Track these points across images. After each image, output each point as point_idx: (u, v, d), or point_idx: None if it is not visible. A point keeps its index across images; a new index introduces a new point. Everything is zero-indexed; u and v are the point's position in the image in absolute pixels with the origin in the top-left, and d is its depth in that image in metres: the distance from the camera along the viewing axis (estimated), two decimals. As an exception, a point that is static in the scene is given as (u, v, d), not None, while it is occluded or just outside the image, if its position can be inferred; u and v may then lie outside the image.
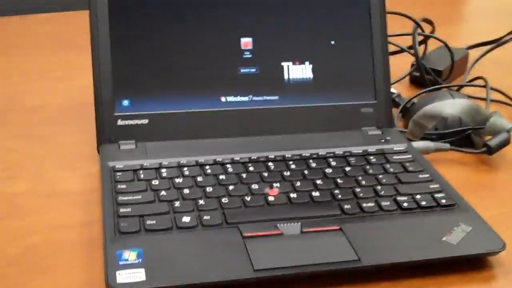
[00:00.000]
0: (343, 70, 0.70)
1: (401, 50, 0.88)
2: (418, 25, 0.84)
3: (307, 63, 0.70)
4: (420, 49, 0.86)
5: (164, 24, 0.66)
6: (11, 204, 0.59)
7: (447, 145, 0.69)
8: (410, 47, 0.87)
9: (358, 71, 0.71)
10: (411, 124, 0.72)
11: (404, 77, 0.86)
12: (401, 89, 0.85)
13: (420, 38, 0.87)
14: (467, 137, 0.71)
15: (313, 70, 0.70)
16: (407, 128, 0.73)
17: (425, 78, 0.83)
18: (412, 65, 0.87)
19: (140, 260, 0.48)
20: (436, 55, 0.90)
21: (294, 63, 0.69)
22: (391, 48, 0.87)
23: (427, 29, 0.91)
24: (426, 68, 0.85)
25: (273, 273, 0.48)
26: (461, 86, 0.81)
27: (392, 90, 0.80)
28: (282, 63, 0.69)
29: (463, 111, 0.71)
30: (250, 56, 0.68)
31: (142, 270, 0.47)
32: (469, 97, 0.75)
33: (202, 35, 0.67)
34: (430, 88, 0.78)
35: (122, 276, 0.46)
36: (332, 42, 0.70)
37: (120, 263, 0.48)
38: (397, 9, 0.87)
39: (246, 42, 0.68)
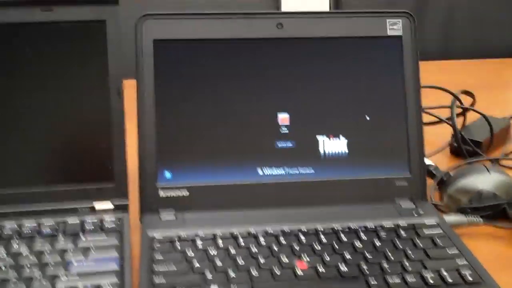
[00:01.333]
0: (377, 144, 0.73)
1: (440, 121, 0.90)
2: (456, 97, 0.86)
3: (342, 137, 0.72)
4: (460, 121, 0.88)
5: (206, 98, 0.70)
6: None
7: (480, 219, 0.70)
8: (449, 119, 0.89)
9: (392, 145, 0.73)
10: (446, 197, 0.74)
11: (443, 149, 0.88)
12: (441, 160, 0.87)
13: (460, 110, 0.89)
14: (501, 211, 0.72)
15: (348, 144, 0.72)
16: (443, 201, 0.74)
17: (463, 149, 0.84)
18: (452, 136, 0.89)
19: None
20: (476, 126, 0.91)
21: (329, 138, 0.72)
22: (431, 119, 0.89)
23: (467, 100, 0.92)
24: (466, 139, 0.86)
25: None
26: (497, 160, 0.82)
27: (429, 162, 0.82)
28: (318, 138, 0.72)
29: (498, 186, 0.72)
30: (286, 131, 0.71)
31: None
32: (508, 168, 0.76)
33: (242, 109, 0.71)
34: (467, 161, 0.80)
35: None
36: (367, 117, 0.73)
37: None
38: (441, 79, 0.89)
39: (283, 118, 0.72)
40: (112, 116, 0.67)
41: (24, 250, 0.60)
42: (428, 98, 0.91)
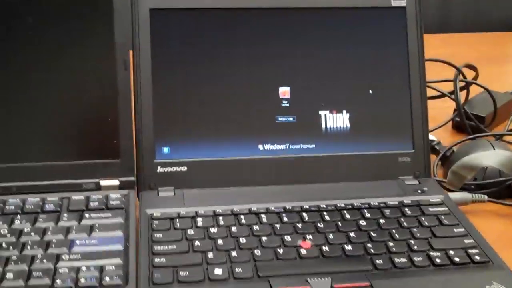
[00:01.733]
0: (380, 119, 0.71)
1: (443, 95, 0.88)
2: (459, 71, 0.84)
3: (344, 112, 0.70)
4: (463, 94, 0.86)
5: (203, 73, 0.68)
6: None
7: (485, 197, 0.68)
8: (452, 93, 0.87)
9: (396, 120, 0.71)
10: (450, 174, 0.72)
11: (445, 124, 0.86)
12: (443, 135, 0.85)
13: (463, 84, 0.87)
14: (506, 188, 0.70)
15: (350, 119, 0.70)
16: (446, 178, 0.73)
17: (466, 125, 0.83)
18: (454, 110, 0.87)
19: (171, 312, 0.49)
20: (479, 101, 0.90)
21: (331, 112, 0.70)
22: (433, 93, 0.87)
23: (470, 74, 0.90)
24: (468, 114, 0.84)
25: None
26: (501, 135, 0.81)
27: (432, 137, 0.80)
28: (320, 112, 0.70)
29: (503, 162, 0.70)
30: (287, 105, 0.69)
31: (172, 323, 0.48)
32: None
33: (241, 84, 0.69)
34: (470, 137, 0.78)
35: (153, 329, 0.48)
36: (370, 91, 0.71)
37: (152, 315, 0.49)
38: (442, 52, 0.87)
39: (284, 91, 0.70)
40: (119, 89, 0.64)
41: (27, 227, 0.58)
42: (430, 72, 0.89)
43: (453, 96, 0.85)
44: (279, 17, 0.70)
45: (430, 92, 0.88)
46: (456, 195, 0.68)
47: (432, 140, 0.79)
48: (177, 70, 0.68)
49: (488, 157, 0.70)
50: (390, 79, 0.71)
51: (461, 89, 0.89)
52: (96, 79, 0.64)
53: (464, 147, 0.74)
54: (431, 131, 0.84)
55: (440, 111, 0.89)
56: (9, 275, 0.53)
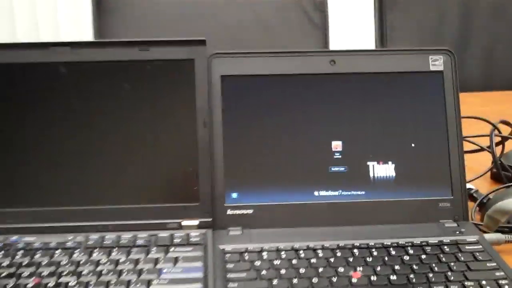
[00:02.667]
0: (422, 169, 0.80)
1: (481, 149, 0.97)
2: (494, 127, 0.94)
3: (390, 162, 0.80)
4: (500, 149, 0.95)
5: (267, 130, 0.80)
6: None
7: (517, 238, 0.77)
8: (490, 147, 0.96)
9: (436, 170, 0.80)
10: (485, 218, 0.81)
11: (484, 174, 0.95)
12: (482, 185, 0.94)
13: (499, 139, 0.96)
14: (538, 230, 0.78)
15: (396, 169, 0.80)
16: (483, 221, 0.81)
17: (502, 175, 0.92)
18: (492, 162, 0.96)
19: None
20: (516, 154, 0.99)
21: (378, 163, 0.80)
22: (473, 147, 0.97)
23: (507, 129, 0.99)
24: (505, 165, 0.93)
25: None
26: (533, 183, 0.89)
27: (471, 186, 0.89)
28: (368, 163, 0.80)
29: (533, 206, 0.79)
30: (339, 156, 0.80)
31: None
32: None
33: (299, 137, 0.80)
34: (505, 185, 0.87)
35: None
36: (412, 145, 0.81)
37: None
38: (483, 109, 0.97)
39: (336, 145, 0.80)
40: (199, 145, 0.77)
41: (122, 257, 0.70)
42: (470, 128, 0.99)
43: (489, 149, 0.94)
44: (331, 81, 0.81)
45: (470, 146, 0.98)
46: (490, 236, 0.77)
47: (471, 189, 0.88)
48: (244, 128, 0.79)
49: (517, 201, 0.79)
50: (431, 134, 0.81)
51: (498, 143, 0.98)
52: (181, 136, 0.77)
53: (499, 194, 0.83)
54: (470, 181, 0.93)
55: (480, 164, 0.98)
56: (110, 296, 0.64)
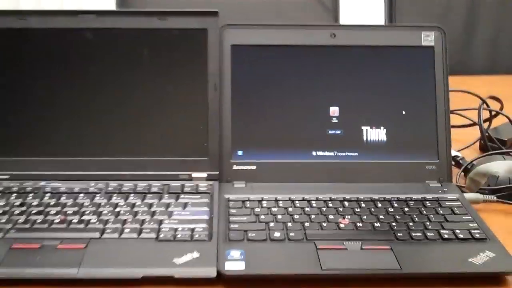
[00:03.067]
0: (411, 134, 0.89)
1: (473, 124, 1.05)
2: (483, 101, 1.01)
3: (382, 127, 0.89)
4: (489, 123, 1.03)
5: (271, 92, 0.88)
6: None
7: (494, 197, 0.85)
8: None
9: (424, 135, 0.88)
10: (468, 180, 0.89)
11: (472, 144, 1.03)
12: (471, 154, 1.01)
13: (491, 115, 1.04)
14: (516, 192, 0.86)
15: (387, 134, 0.88)
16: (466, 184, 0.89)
17: (487, 145, 0.99)
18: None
19: (242, 257, 0.68)
20: (503, 128, 1.06)
21: (371, 128, 0.88)
22: (465, 121, 1.05)
23: (496, 106, 1.07)
24: (492, 137, 1.01)
25: (335, 272, 0.67)
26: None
27: (457, 153, 0.97)
28: (362, 127, 0.88)
29: (509, 169, 0.86)
30: (336, 121, 0.88)
31: (243, 263, 0.67)
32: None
33: (300, 103, 0.88)
34: (488, 153, 0.94)
35: (229, 266, 0.67)
36: (403, 112, 0.89)
37: (228, 257, 0.68)
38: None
39: (334, 110, 0.89)
40: (209, 106, 0.86)
41: (138, 202, 0.79)
42: (463, 103, 1.07)
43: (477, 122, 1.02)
44: (331, 52, 0.90)
45: (461, 121, 1.05)
46: (470, 195, 0.85)
47: (457, 156, 0.96)
48: (250, 92, 0.88)
49: (497, 165, 0.87)
50: (420, 103, 0.89)
51: (488, 119, 1.06)
52: (194, 98, 0.86)
53: (481, 160, 0.91)
54: (459, 150, 1.01)
55: (470, 137, 1.06)
56: (126, 231, 0.73)
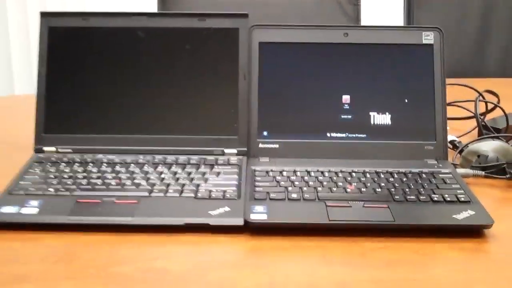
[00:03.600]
0: (413, 119, 1.03)
1: (473, 116, 1.19)
2: (480, 94, 1.16)
3: (387, 113, 1.03)
4: (489, 116, 1.17)
5: (293, 82, 1.04)
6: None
7: (482, 172, 0.99)
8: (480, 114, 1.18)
9: (424, 120, 1.03)
10: (460, 158, 1.03)
11: (470, 132, 1.17)
12: (468, 140, 1.15)
13: (489, 106, 1.18)
14: (501, 169, 1.00)
15: (391, 119, 1.03)
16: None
17: (482, 130, 1.13)
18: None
19: (265, 210, 0.84)
20: (500, 119, 1.20)
21: (378, 113, 1.03)
22: (466, 113, 1.19)
23: (494, 99, 1.21)
24: (488, 126, 1.15)
25: (340, 222, 0.82)
26: (504, 136, 1.11)
27: (456, 138, 1.12)
28: (370, 113, 1.03)
29: (498, 150, 1.01)
30: (348, 107, 1.04)
31: (265, 215, 0.83)
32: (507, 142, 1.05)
33: (317, 91, 1.04)
34: (481, 137, 1.09)
35: (254, 216, 0.83)
36: (406, 100, 1.04)
37: (253, 211, 0.84)
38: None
39: (346, 98, 1.04)
40: (240, 93, 1.02)
41: (179, 170, 0.95)
42: (464, 97, 1.21)
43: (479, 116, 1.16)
44: (345, 49, 1.05)
45: (465, 113, 1.20)
46: (461, 170, 0.99)
47: (455, 140, 1.10)
48: (274, 82, 1.04)
49: (486, 146, 1.01)
50: (421, 93, 1.04)
51: (489, 111, 1.20)
52: (227, 86, 1.02)
53: (474, 143, 1.05)
54: (459, 136, 1.15)
55: (470, 127, 1.20)
56: (170, 191, 0.89)
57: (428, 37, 1.05)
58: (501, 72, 1.92)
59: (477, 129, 1.18)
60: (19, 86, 2.63)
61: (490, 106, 1.22)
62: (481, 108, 1.22)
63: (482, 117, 1.17)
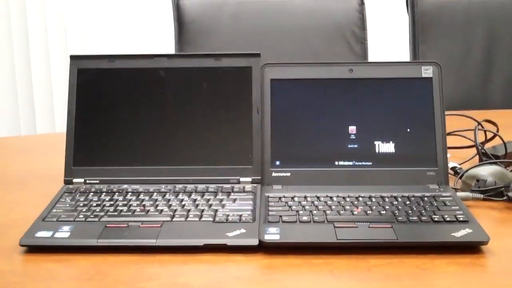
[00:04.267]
0: (415, 147, 1.11)
1: (473, 145, 1.27)
2: (478, 123, 1.23)
3: (391, 142, 1.11)
4: (489, 144, 1.25)
5: (303, 115, 1.12)
6: (211, 213, 1.05)
7: (481, 195, 1.06)
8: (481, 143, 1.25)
9: (425, 148, 1.10)
10: (461, 182, 1.10)
11: (471, 159, 1.24)
12: (470, 166, 1.22)
13: (489, 135, 1.26)
14: (499, 192, 1.07)
15: (395, 147, 1.11)
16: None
17: (482, 159, 1.21)
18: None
19: (278, 232, 0.92)
20: (499, 147, 1.27)
21: (382, 142, 1.11)
22: (468, 143, 1.26)
23: (493, 128, 1.29)
24: (487, 153, 1.22)
25: (347, 241, 0.89)
26: (502, 162, 1.18)
27: (456, 164, 1.19)
28: (375, 142, 1.11)
29: (496, 174, 1.08)
30: (354, 137, 1.12)
31: (278, 235, 0.91)
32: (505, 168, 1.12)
33: (325, 123, 1.12)
34: (481, 163, 1.16)
35: (268, 237, 0.90)
36: (408, 130, 1.12)
37: (267, 232, 0.92)
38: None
39: (352, 128, 1.12)
40: (253, 125, 1.11)
41: (198, 198, 1.03)
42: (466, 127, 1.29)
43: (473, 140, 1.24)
44: (350, 84, 1.13)
45: (465, 142, 1.27)
46: (461, 194, 1.06)
47: (456, 166, 1.18)
48: (285, 115, 1.12)
49: (484, 170, 1.08)
50: (422, 123, 1.12)
51: (489, 140, 1.27)
52: (241, 119, 1.11)
53: (473, 168, 1.13)
54: (460, 163, 1.22)
55: (472, 153, 1.27)
56: (191, 216, 0.97)
57: (427, 71, 1.14)
58: (506, 104, 1.99)
59: (477, 156, 1.25)
60: (41, 124, 2.73)
61: (490, 135, 1.29)
62: (482, 137, 1.29)
63: (482, 145, 1.24)
